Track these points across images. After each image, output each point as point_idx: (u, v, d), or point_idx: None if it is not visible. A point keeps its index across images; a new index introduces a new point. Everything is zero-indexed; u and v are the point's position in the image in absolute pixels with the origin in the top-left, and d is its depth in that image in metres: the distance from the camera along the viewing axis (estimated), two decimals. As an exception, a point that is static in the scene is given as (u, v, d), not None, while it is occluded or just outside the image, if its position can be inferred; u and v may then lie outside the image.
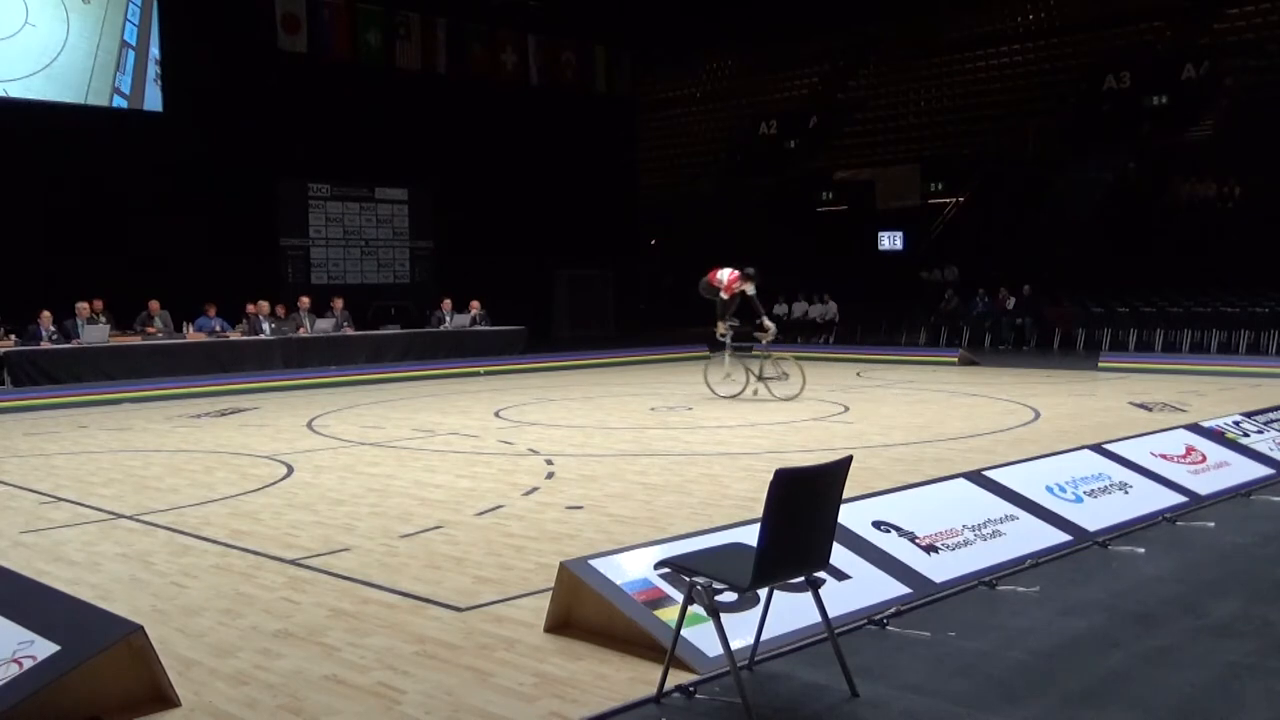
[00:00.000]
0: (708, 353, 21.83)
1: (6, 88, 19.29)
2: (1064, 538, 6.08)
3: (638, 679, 4.17)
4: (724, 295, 13.78)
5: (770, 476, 3.79)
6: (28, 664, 3.73)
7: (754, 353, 14.18)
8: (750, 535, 4.04)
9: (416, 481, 8.51)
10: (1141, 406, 12.48)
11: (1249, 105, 25.24)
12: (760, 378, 13.88)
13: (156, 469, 9.37)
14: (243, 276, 20.23)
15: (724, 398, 13.78)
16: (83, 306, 16.39)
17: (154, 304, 17.55)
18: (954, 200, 28.66)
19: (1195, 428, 8.42)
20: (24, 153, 18.68)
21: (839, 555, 4.79)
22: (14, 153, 18.52)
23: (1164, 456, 7.61)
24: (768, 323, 13.87)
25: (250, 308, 18.22)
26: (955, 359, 19.23)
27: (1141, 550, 5.99)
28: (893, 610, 4.89)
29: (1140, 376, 16.06)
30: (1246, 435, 8.48)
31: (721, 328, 14.13)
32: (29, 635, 3.87)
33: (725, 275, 13.78)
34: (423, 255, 25.16)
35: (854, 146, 32.65)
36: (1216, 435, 8.32)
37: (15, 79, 19.38)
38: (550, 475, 8.68)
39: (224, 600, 5.33)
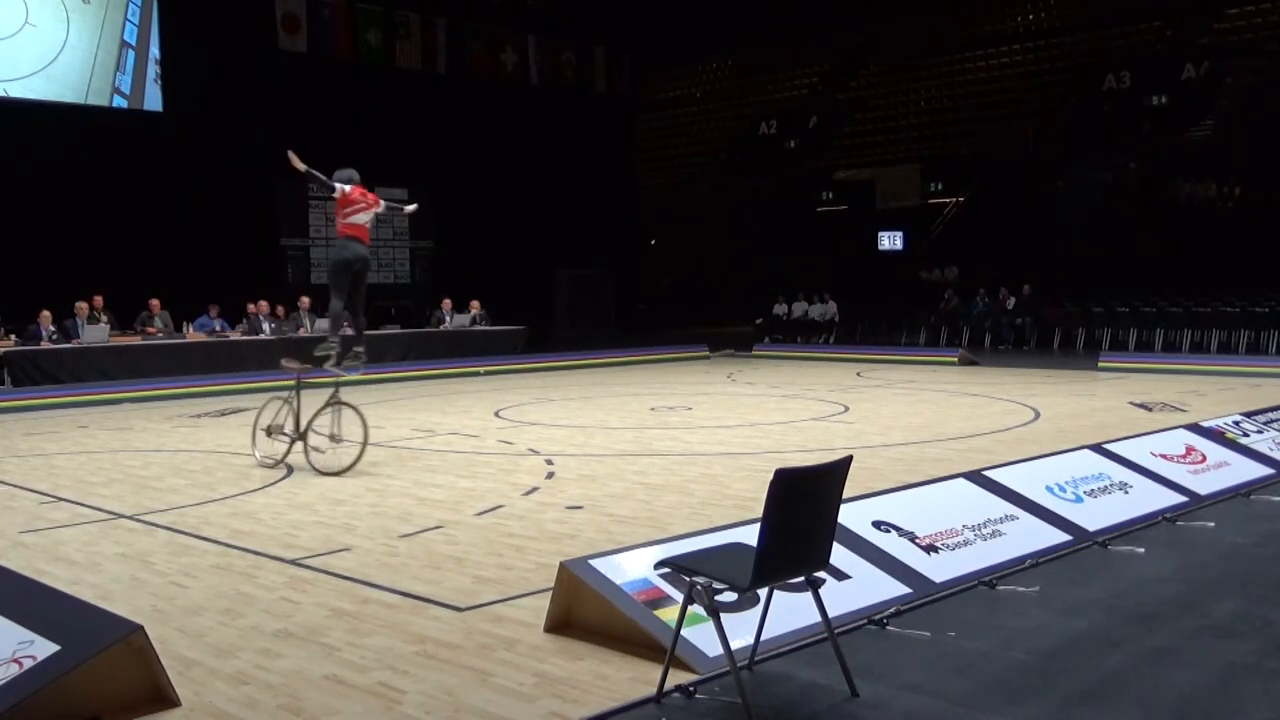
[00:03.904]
0: (706, 353, 21.98)
1: (6, 88, 19.28)
2: (1064, 538, 6.08)
3: (638, 679, 4.17)
4: (364, 220, 9.42)
5: (770, 476, 3.79)
6: (28, 664, 3.73)
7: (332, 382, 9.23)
8: (750, 535, 4.04)
9: (416, 481, 8.51)
10: (1141, 406, 12.47)
11: (1249, 105, 25.24)
12: (302, 434, 8.86)
13: (156, 469, 9.36)
14: (243, 276, 20.23)
15: (270, 464, 9.04)
16: (82, 306, 16.38)
17: (154, 304, 17.54)
18: (954, 200, 28.67)
19: (1195, 428, 8.42)
20: (24, 153, 18.65)
21: (839, 555, 4.79)
22: (13, 153, 18.50)
23: (1164, 456, 7.61)
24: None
25: (250, 308, 18.22)
26: (955, 359, 19.22)
27: (1141, 550, 5.99)
28: (893, 610, 4.89)
29: (1140, 376, 16.05)
30: (1246, 435, 8.48)
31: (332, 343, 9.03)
32: (29, 635, 3.87)
33: (363, 213, 9.52)
34: (423, 255, 25.15)
35: (854, 146, 32.66)
36: (1216, 435, 8.32)
37: (15, 79, 19.38)
38: (550, 475, 8.67)
39: (224, 600, 5.33)
